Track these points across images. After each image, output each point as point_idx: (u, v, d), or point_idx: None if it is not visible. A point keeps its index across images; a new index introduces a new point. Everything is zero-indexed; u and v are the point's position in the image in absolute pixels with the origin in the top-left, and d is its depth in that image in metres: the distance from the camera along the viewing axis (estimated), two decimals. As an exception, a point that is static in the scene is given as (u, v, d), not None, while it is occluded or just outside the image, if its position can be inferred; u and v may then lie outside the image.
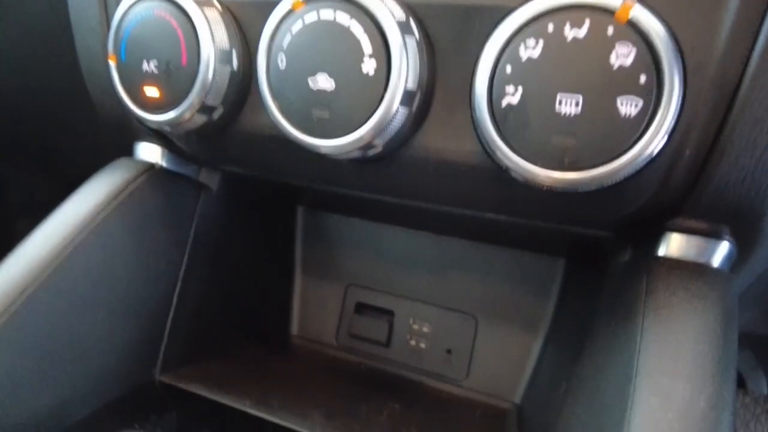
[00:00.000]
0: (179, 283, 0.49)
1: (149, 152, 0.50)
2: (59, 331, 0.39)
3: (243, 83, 0.39)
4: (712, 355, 0.27)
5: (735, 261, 0.34)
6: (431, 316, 0.61)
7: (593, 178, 0.28)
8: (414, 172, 0.37)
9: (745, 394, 1.02)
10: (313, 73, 0.32)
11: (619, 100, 0.26)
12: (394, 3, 0.31)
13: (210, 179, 0.53)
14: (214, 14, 0.36)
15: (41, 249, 0.39)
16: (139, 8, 0.37)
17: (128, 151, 0.51)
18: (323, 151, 0.34)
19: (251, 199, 0.59)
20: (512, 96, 0.28)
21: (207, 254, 0.52)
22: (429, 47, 0.32)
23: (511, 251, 0.58)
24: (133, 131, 0.49)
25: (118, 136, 0.51)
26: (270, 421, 0.42)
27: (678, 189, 0.31)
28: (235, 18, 0.38)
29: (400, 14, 0.31)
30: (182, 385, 0.47)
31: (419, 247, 0.61)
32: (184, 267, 0.50)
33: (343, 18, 0.31)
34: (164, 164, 0.49)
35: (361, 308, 0.63)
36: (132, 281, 0.45)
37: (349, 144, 0.32)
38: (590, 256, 0.48)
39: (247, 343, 0.58)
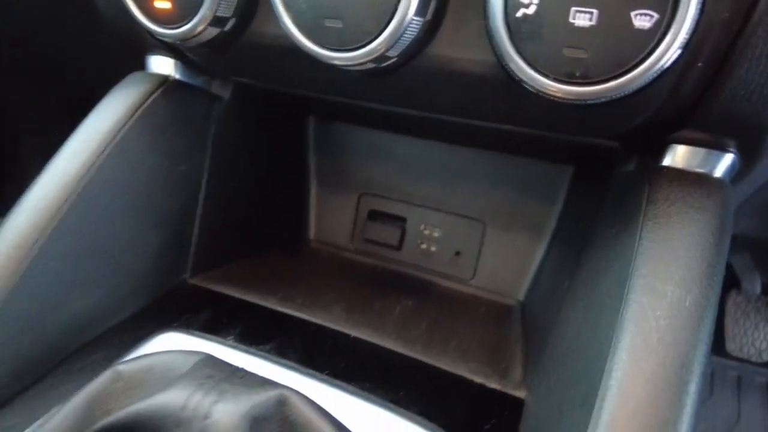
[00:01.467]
0: (202, 191, 0.52)
1: (162, 65, 0.50)
2: (95, 240, 0.42)
3: (253, -9, 0.38)
4: (702, 262, 0.30)
5: (737, 173, 0.35)
6: (441, 222, 0.63)
7: (603, 91, 0.28)
8: (426, 82, 0.37)
9: (739, 293, 1.07)
10: (326, -16, 0.32)
11: (633, 14, 0.26)
12: None
13: (222, 90, 0.54)
14: None
15: (71, 165, 0.41)
16: None
17: (137, 66, 0.52)
18: (336, 62, 0.34)
19: (264, 110, 0.59)
20: (526, 8, 0.28)
21: (225, 163, 0.54)
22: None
23: (519, 159, 0.59)
24: (142, 45, 0.49)
25: (127, 51, 0.51)
26: (295, 316, 0.46)
27: (686, 101, 0.31)
28: None
29: None
30: (211, 287, 0.51)
31: (430, 156, 0.63)
32: (205, 176, 0.52)
33: None
34: (177, 76, 0.50)
35: (374, 215, 0.66)
36: (157, 191, 0.48)
37: (363, 55, 0.33)
38: (597, 165, 0.49)
39: (268, 247, 0.62)
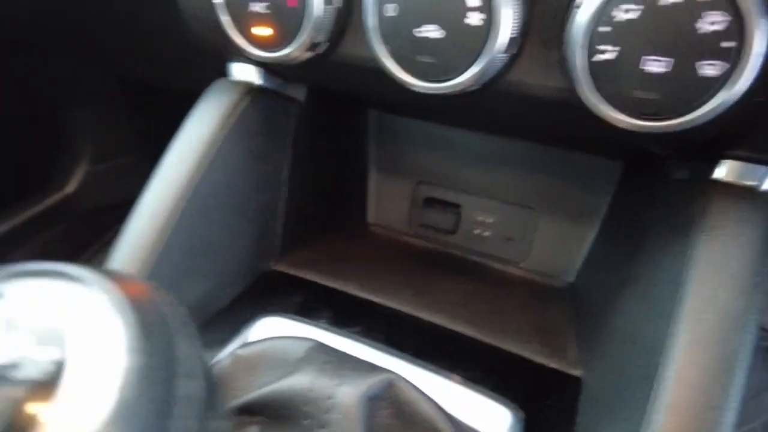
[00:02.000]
0: (284, 186, 0.58)
1: (245, 72, 0.55)
2: (202, 236, 0.49)
3: (344, 18, 0.42)
4: (750, 271, 0.34)
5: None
6: (494, 209, 0.68)
7: (669, 126, 0.32)
8: (500, 104, 0.41)
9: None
10: (421, 23, 0.36)
11: (701, 63, 0.30)
12: None
13: (298, 92, 0.59)
14: None
15: (179, 173, 0.47)
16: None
17: (207, 63, 0.56)
18: (424, 91, 0.38)
19: (330, 106, 0.64)
20: (607, 53, 0.32)
21: (302, 158, 0.60)
22: (528, -4, 0.35)
23: (571, 152, 0.63)
24: (225, 52, 0.54)
25: (207, 56, 0.55)
26: (373, 301, 0.53)
27: (743, 127, 0.35)
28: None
29: None
30: (293, 272, 0.57)
31: (484, 146, 0.67)
32: (286, 172, 0.58)
33: (450, -27, 0.34)
34: (260, 83, 0.55)
35: (430, 202, 0.71)
36: (248, 190, 0.54)
37: (451, 87, 0.37)
38: (646, 162, 0.53)
39: (336, 231, 0.68)
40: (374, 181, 0.73)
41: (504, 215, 0.68)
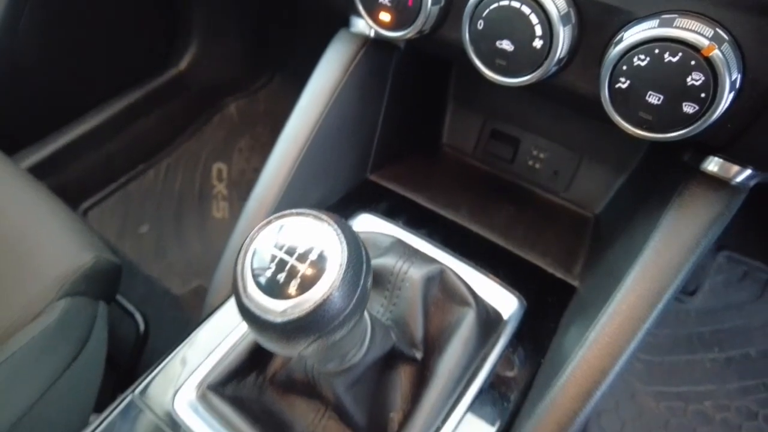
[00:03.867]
0: (381, 116, 0.76)
1: (363, 26, 0.70)
2: (321, 157, 0.69)
3: (445, 12, 0.56)
4: (694, 239, 0.50)
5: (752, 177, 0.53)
6: (548, 147, 0.83)
7: (657, 137, 0.47)
8: (551, 92, 0.56)
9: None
10: (500, 38, 0.50)
11: (684, 104, 0.44)
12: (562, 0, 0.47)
13: (399, 41, 0.74)
14: None
15: (309, 115, 0.66)
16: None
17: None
18: (496, 81, 0.54)
19: (422, 53, 0.79)
20: (622, 84, 0.46)
21: (397, 93, 0.76)
22: (580, 25, 0.48)
23: None
24: (346, 9, 0.68)
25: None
26: (437, 212, 0.73)
27: (720, 142, 0.49)
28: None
29: (564, 7, 0.47)
30: (382, 182, 0.78)
31: (545, 100, 0.80)
32: (384, 106, 0.75)
33: (526, 9, 0.47)
34: (373, 35, 0.70)
35: (496, 134, 0.87)
36: (356, 124, 0.72)
37: (516, 82, 0.52)
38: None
39: (416, 152, 0.86)
40: (451, 112, 0.89)
41: (554, 153, 0.83)
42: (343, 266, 0.33)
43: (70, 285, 0.68)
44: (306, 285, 0.33)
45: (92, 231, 0.76)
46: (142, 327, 0.95)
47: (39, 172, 1.15)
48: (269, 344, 0.35)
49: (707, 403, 1.22)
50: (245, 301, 0.33)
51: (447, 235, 0.68)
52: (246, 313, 0.34)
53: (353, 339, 0.43)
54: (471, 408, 0.53)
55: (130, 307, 0.95)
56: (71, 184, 1.50)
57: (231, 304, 0.60)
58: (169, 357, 0.56)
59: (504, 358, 0.57)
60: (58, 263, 0.69)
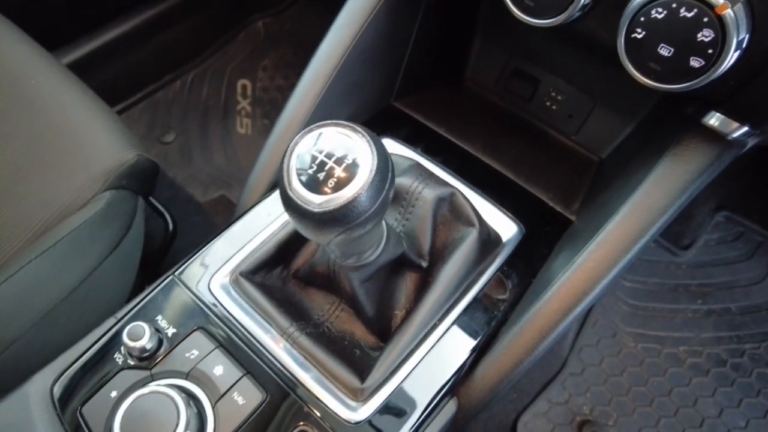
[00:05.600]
0: (410, 45, 0.79)
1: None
2: (351, 78, 0.73)
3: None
4: (683, 183, 0.56)
5: (748, 134, 0.58)
6: (566, 90, 0.87)
7: (663, 88, 0.52)
8: (574, 34, 0.59)
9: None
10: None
11: (692, 58, 0.48)
12: None
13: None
14: None
15: (344, 35, 0.69)
16: None
17: None
18: (524, 21, 0.57)
19: None
20: (638, 34, 0.50)
21: (425, 26, 0.79)
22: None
23: None
24: None
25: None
26: (454, 142, 0.78)
27: (719, 97, 0.53)
28: None
29: None
30: (404, 109, 0.82)
31: (569, 44, 0.82)
32: (413, 36, 0.78)
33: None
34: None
35: (517, 72, 0.90)
36: (385, 48, 0.76)
37: (542, 23, 0.56)
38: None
39: (439, 83, 0.90)
40: (476, 47, 0.92)
41: (571, 97, 0.87)
42: (372, 172, 0.40)
43: (114, 179, 0.75)
44: (340, 184, 0.39)
45: (132, 131, 0.83)
46: (171, 226, 1.03)
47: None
48: (306, 230, 0.42)
49: (681, 348, 1.32)
50: (290, 193, 0.40)
51: (460, 163, 0.74)
52: (290, 203, 0.40)
53: (372, 239, 0.50)
54: (464, 313, 0.61)
55: (160, 207, 1.03)
56: (98, 90, 1.55)
57: (262, 205, 0.67)
58: (206, 247, 0.64)
59: (497, 279, 0.65)
60: (103, 158, 0.76)
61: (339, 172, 0.39)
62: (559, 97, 0.88)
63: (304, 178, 0.40)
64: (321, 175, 0.39)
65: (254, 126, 1.62)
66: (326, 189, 0.39)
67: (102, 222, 0.72)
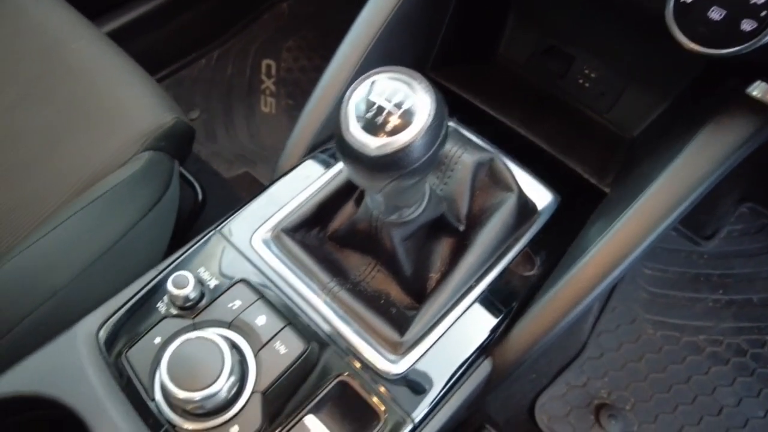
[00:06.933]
0: (449, 14, 0.79)
1: None
2: (391, 44, 0.73)
3: None
4: (723, 154, 0.56)
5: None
6: (599, 67, 0.87)
7: (713, 52, 0.52)
8: (614, 5, 0.59)
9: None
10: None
11: (744, 21, 0.48)
12: None
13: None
14: None
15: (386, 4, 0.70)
16: None
17: None
18: None
19: None
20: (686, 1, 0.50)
21: (463, 2, 0.80)
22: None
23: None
24: None
25: None
26: (489, 113, 0.78)
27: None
28: None
29: None
30: (439, 80, 0.83)
31: (603, 20, 0.82)
32: (451, 11, 0.79)
33: None
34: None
35: (551, 48, 0.90)
36: (425, 17, 0.76)
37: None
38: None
39: (474, 58, 0.90)
40: (510, 24, 0.92)
41: (604, 75, 0.87)
42: (430, 118, 0.40)
43: (152, 140, 0.76)
44: (398, 128, 0.40)
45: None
46: (200, 195, 1.05)
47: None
48: (361, 176, 0.43)
49: (701, 337, 1.32)
50: (348, 138, 0.41)
51: (496, 134, 0.74)
52: (347, 148, 0.41)
53: (417, 193, 0.51)
54: (499, 277, 0.62)
55: (190, 177, 1.04)
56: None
57: (301, 168, 0.69)
58: (247, 205, 0.65)
59: (525, 254, 0.65)
60: (142, 120, 0.77)
61: (397, 116, 0.40)
62: (593, 75, 0.88)
63: (362, 123, 0.41)
64: (379, 119, 0.40)
65: (278, 105, 1.63)
66: (384, 133, 0.40)
67: (141, 181, 0.73)
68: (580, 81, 0.89)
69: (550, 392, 1.23)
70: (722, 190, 1.00)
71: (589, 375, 1.26)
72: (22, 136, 0.74)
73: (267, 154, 1.51)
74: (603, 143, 0.84)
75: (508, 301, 0.60)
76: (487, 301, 0.60)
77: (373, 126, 0.40)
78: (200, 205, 1.05)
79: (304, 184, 0.66)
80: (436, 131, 0.41)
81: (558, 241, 0.67)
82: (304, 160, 0.70)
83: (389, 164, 0.41)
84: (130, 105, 0.79)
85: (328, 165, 0.69)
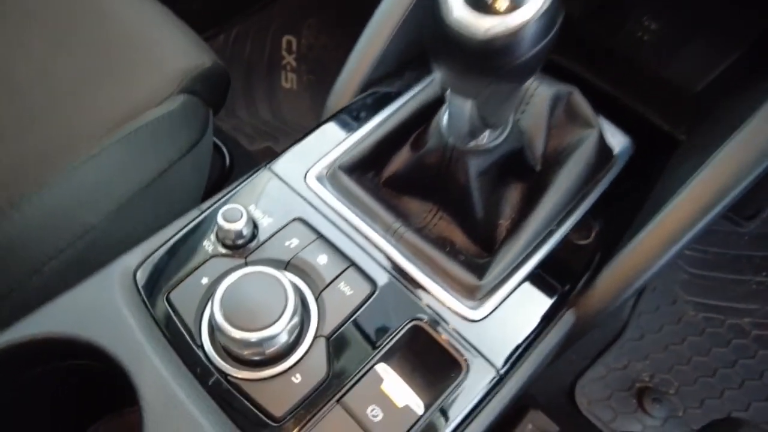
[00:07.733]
0: None
1: None
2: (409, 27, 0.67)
3: None
4: None
5: None
6: (660, 18, 0.81)
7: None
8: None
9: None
10: None
11: None
12: None
13: None
14: None
15: None
16: None
17: None
18: None
19: None
20: None
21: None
22: None
23: None
24: None
25: None
26: (553, 59, 0.72)
27: None
28: None
29: None
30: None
31: None
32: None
33: None
34: None
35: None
36: None
37: None
38: None
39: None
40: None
41: (667, 24, 0.81)
42: (548, -2, 0.34)
43: (188, 81, 0.70)
44: (511, 7, 0.34)
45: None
46: (227, 160, 0.99)
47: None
48: (459, 69, 0.37)
49: (746, 320, 1.25)
50: (450, 19, 0.35)
51: (563, 78, 0.69)
52: (448, 33, 0.35)
53: (509, 107, 0.45)
54: (574, 227, 0.56)
55: (218, 141, 0.99)
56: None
57: (355, 106, 0.63)
58: (298, 142, 0.59)
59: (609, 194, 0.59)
60: (178, 59, 0.72)
61: (508, -7, 0.34)
62: (652, 26, 0.83)
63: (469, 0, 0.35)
64: (488, -3, 0.34)
65: (300, 81, 1.57)
66: (497, 9, 0.34)
67: (178, 121, 0.68)
68: (639, 34, 0.84)
69: (589, 375, 1.17)
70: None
71: (629, 357, 1.20)
72: (55, 77, 0.69)
73: (289, 130, 1.45)
74: (667, 96, 0.78)
75: (591, 247, 0.54)
76: (571, 246, 0.54)
77: (482, 3, 0.34)
78: (228, 169, 0.99)
79: (360, 123, 0.61)
80: (553, 15, 0.35)
81: (635, 187, 0.61)
82: (357, 99, 0.64)
83: (499, 52, 0.35)
84: (165, 45, 0.73)
85: (383, 104, 0.63)
